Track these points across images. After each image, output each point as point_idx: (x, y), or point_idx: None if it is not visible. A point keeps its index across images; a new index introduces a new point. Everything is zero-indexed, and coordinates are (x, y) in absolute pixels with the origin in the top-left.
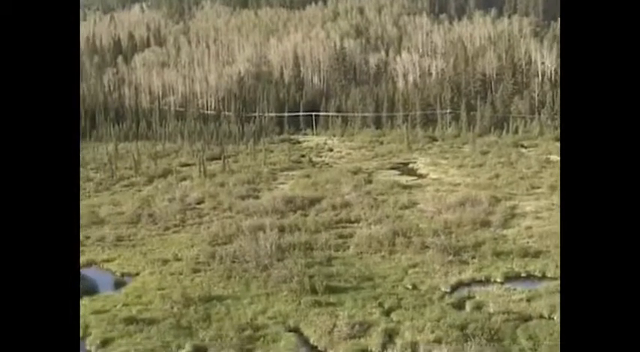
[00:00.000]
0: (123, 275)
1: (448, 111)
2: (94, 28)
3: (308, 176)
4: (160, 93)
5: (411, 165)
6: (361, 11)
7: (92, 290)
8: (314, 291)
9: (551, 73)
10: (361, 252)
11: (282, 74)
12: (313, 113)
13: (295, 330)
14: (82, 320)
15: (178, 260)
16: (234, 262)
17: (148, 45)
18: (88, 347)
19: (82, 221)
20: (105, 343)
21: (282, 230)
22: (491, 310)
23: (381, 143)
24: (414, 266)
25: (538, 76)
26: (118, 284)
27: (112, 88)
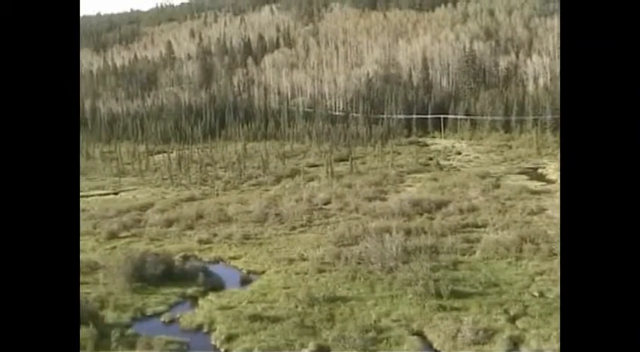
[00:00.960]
0: (249, 272)
1: None
2: (225, 29)
3: (435, 179)
4: (289, 94)
5: (540, 171)
6: (491, 13)
7: (219, 287)
8: (439, 295)
9: None
10: (487, 257)
11: (410, 76)
12: (442, 116)
13: (419, 334)
14: (208, 316)
15: (304, 259)
16: (359, 263)
17: (278, 46)
18: (213, 342)
19: (211, 218)
20: (229, 339)
21: (408, 232)
22: None
23: (510, 147)
24: (541, 273)
25: None
26: (244, 282)
27: (241, 89)
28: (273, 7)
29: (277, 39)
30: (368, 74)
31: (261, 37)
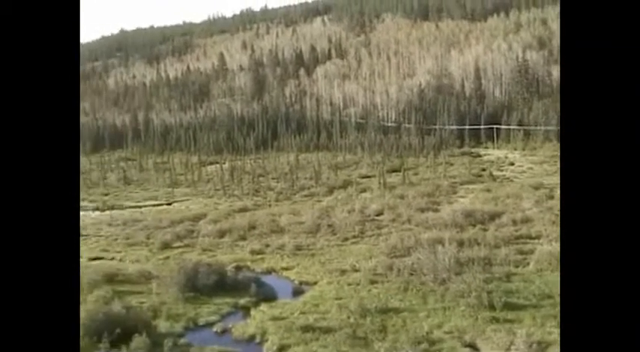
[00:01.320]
0: (301, 283)
1: None
2: (277, 40)
3: (488, 190)
4: (341, 105)
5: None
6: (544, 22)
7: (271, 297)
8: (492, 307)
9: None
10: (541, 269)
11: (463, 86)
12: (494, 126)
13: (471, 346)
14: (260, 326)
15: (356, 271)
16: (411, 275)
17: (330, 57)
18: None
19: (263, 229)
20: (281, 349)
21: (461, 244)
22: None
23: None
24: None
25: None
26: (296, 293)
27: (293, 100)
28: (325, 18)
29: (329, 50)
30: (420, 85)
31: (313, 48)
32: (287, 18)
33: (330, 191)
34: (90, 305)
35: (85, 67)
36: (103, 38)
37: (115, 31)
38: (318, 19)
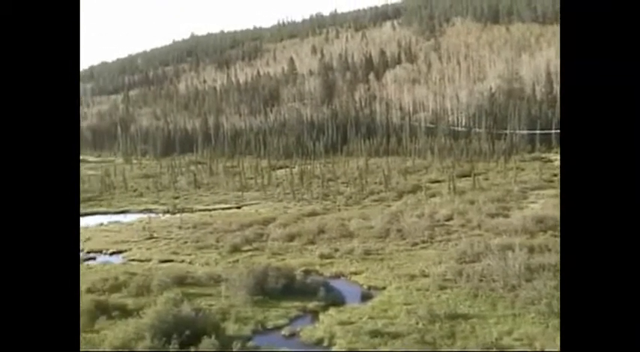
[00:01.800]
0: (370, 288)
1: None
2: (346, 45)
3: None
4: (411, 110)
5: None
6: None
7: (339, 302)
8: None
9: None
10: None
11: (534, 90)
12: None
13: None
14: (328, 330)
15: (425, 276)
16: (481, 281)
17: (399, 61)
18: None
19: (332, 233)
20: None
21: (531, 250)
22: None
23: None
24: None
25: None
26: (365, 297)
27: (363, 104)
28: (395, 22)
29: (399, 54)
30: (491, 89)
31: (382, 53)
32: (356, 22)
33: (400, 195)
34: (160, 306)
35: (156, 71)
36: (174, 43)
37: (186, 36)
38: (388, 24)
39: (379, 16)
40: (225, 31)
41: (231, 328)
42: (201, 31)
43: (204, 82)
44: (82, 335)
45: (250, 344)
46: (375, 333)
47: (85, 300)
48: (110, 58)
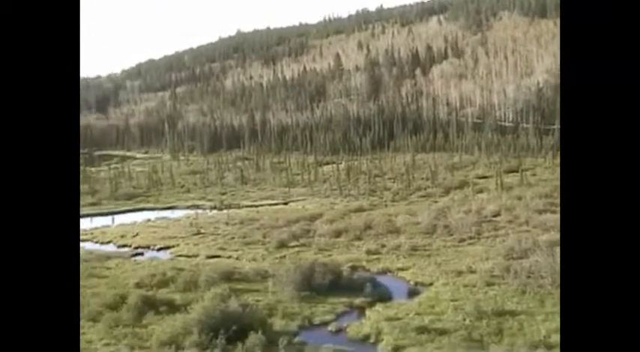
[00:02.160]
0: (416, 284)
1: None
2: (392, 40)
3: None
4: (458, 105)
5: None
6: None
7: (386, 298)
8: None
9: None
10: None
11: None
12: None
13: None
14: (375, 326)
15: (472, 272)
16: (529, 277)
17: (446, 57)
18: None
19: (379, 229)
20: (396, 350)
21: None
22: None
23: None
24: None
25: None
26: (412, 293)
27: (409, 100)
28: (441, 17)
29: (445, 49)
30: (538, 84)
31: (429, 48)
32: (403, 17)
33: (447, 191)
34: (207, 302)
35: (203, 68)
36: (221, 40)
37: (232, 33)
38: (434, 19)
39: (425, 11)
40: (272, 27)
41: (278, 323)
42: (247, 28)
43: (251, 78)
44: (131, 330)
45: (297, 339)
46: (421, 329)
47: (134, 295)
48: (157, 55)
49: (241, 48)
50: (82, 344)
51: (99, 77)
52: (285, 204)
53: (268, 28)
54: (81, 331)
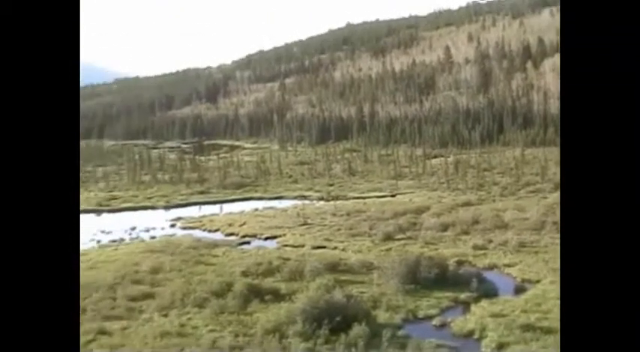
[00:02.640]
0: (523, 281)
1: None
2: (503, 33)
3: None
4: None
5: None
6: None
7: (492, 294)
8: None
9: None
10: None
11: None
12: None
13: None
14: (479, 322)
15: None
16: None
17: (558, 50)
18: (483, 349)
19: (486, 224)
20: (500, 347)
21: None
22: None
23: None
24: None
25: None
26: (518, 290)
27: (520, 93)
28: (554, 9)
29: (557, 42)
30: None
31: (540, 41)
32: (514, 10)
33: (557, 187)
34: (312, 292)
35: (312, 59)
36: (330, 32)
37: (342, 25)
38: (546, 11)
39: (537, 3)
40: (381, 19)
41: (382, 316)
42: (356, 20)
43: (360, 70)
44: (235, 317)
45: (400, 332)
46: (527, 327)
47: (240, 283)
48: (267, 47)
49: (350, 40)
50: (188, 330)
51: (209, 68)
52: (393, 196)
53: (377, 20)
54: (187, 317)
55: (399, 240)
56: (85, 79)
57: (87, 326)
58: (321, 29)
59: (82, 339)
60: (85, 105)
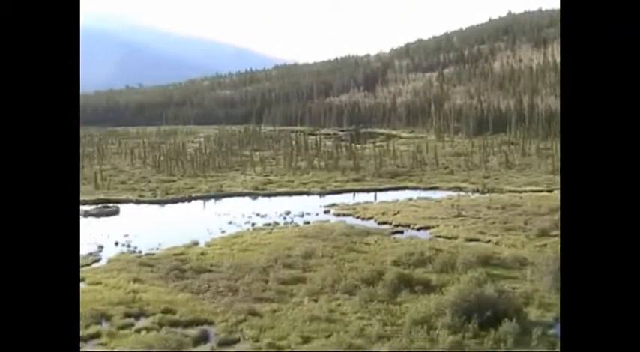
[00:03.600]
0: None
1: None
2: None
3: None
4: None
5: None
6: None
7: None
8: None
9: None
10: None
11: None
12: None
13: None
14: None
15: None
16: None
17: None
18: None
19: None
20: None
21: None
22: None
23: None
24: None
25: None
26: None
27: None
28: None
29: None
30: None
31: None
32: None
33: None
34: (463, 285)
35: (471, 50)
36: (491, 21)
37: (503, 14)
38: None
39: None
40: (543, 9)
41: (533, 313)
42: (518, 9)
43: (520, 61)
44: (385, 306)
45: (551, 331)
46: None
47: (390, 272)
48: (426, 36)
49: (511, 30)
50: (337, 316)
51: (367, 56)
52: (550, 191)
53: (540, 10)
54: (337, 302)
55: (554, 236)
56: (244, 65)
57: (238, 305)
58: (482, 18)
59: (233, 319)
60: (243, 90)
